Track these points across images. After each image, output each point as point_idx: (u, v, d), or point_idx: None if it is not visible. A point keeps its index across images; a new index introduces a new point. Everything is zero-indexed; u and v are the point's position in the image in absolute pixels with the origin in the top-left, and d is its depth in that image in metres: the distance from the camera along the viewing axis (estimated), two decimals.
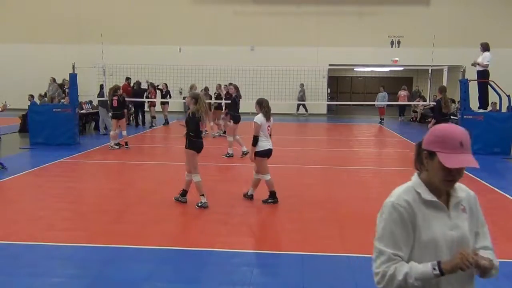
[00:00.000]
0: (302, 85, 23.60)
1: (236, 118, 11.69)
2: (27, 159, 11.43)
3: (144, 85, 18.72)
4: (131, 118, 18.71)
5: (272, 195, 7.31)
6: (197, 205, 7.11)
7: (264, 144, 7.17)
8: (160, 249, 5.46)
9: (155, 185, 8.72)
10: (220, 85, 16.31)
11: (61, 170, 9.99)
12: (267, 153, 7.24)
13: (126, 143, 12.80)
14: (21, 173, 9.42)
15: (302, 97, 23.78)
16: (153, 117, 18.56)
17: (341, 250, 5.39)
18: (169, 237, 5.89)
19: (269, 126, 7.24)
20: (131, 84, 18.47)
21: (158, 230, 6.16)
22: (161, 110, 19.07)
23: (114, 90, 13.03)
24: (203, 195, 7.13)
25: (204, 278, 4.73)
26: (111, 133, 12.97)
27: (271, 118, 7.29)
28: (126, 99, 17.52)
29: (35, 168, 9.92)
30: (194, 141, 7.07)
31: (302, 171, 10.05)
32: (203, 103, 7.11)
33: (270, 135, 7.30)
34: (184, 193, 7.33)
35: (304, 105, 24.28)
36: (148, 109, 18.92)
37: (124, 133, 12.85)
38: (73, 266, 5.06)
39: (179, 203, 7.34)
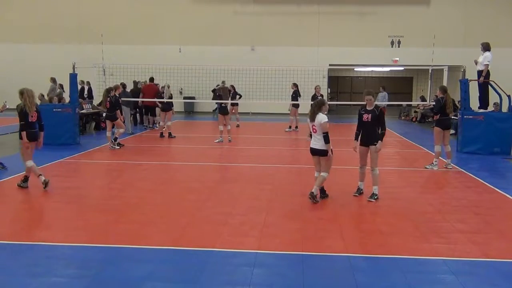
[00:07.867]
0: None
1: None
2: None
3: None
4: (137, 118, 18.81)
5: None
6: (17, 184, 8.13)
7: None
8: (160, 249, 5.46)
9: (155, 185, 8.72)
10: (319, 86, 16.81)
11: (61, 170, 9.99)
12: None
13: (118, 143, 12.76)
14: (21, 173, 9.40)
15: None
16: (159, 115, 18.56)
17: (341, 250, 5.37)
18: (169, 237, 5.88)
19: None
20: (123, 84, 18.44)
21: (158, 230, 6.16)
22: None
23: (108, 91, 13.00)
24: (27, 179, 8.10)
25: (204, 278, 4.73)
26: (107, 133, 12.95)
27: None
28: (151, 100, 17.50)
29: None
30: (25, 131, 7.90)
31: (302, 171, 10.05)
32: (27, 97, 7.87)
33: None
34: (25, 179, 8.18)
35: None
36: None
37: (121, 131, 12.83)
38: (73, 266, 5.05)
39: (179, 203, 7.39)
